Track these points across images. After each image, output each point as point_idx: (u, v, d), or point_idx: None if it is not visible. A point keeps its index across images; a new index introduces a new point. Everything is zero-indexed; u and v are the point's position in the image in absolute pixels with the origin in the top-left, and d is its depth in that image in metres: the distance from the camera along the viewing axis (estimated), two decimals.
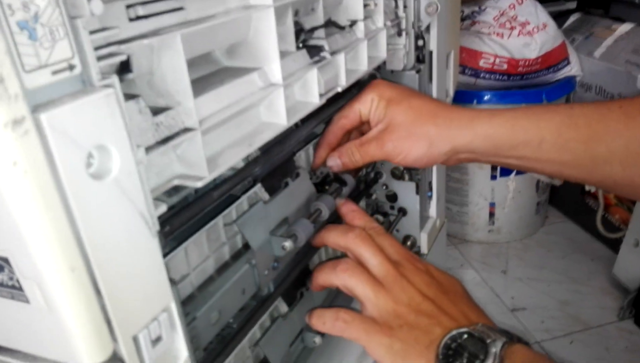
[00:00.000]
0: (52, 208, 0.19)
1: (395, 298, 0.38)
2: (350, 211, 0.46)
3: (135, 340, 0.23)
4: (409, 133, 0.45)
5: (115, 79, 0.23)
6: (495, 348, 0.33)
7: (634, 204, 1.12)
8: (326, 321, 0.40)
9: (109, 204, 0.21)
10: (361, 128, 0.51)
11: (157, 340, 0.24)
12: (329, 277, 0.41)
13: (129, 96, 0.26)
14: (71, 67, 0.21)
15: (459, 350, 0.34)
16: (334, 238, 0.43)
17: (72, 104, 0.20)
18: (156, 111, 0.27)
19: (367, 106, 0.47)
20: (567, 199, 1.42)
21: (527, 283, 1.22)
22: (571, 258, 1.29)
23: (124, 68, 0.26)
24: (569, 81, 1.19)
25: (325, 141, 0.49)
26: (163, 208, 0.26)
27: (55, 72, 0.20)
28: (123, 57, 0.24)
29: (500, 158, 0.45)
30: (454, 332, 0.35)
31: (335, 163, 0.48)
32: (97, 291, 0.21)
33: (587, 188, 1.30)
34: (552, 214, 1.46)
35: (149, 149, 0.26)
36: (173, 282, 0.26)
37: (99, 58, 0.23)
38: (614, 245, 1.22)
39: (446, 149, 0.44)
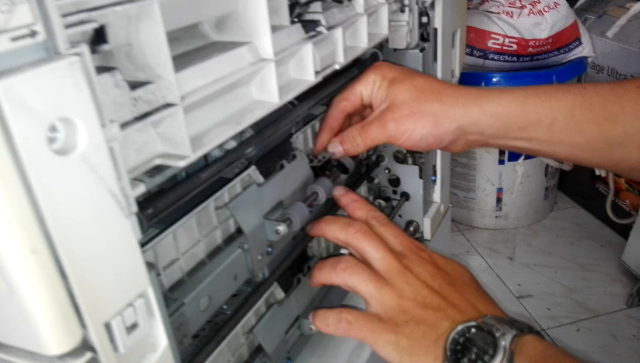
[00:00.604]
0: (10, 185, 0.18)
1: (399, 293, 0.36)
2: (351, 201, 0.44)
3: (107, 326, 0.22)
4: (412, 111, 0.42)
5: (84, 48, 0.21)
6: (504, 342, 0.31)
7: None
8: (329, 323, 0.39)
9: (75, 182, 0.20)
10: (363, 113, 0.49)
11: (132, 327, 0.23)
12: (329, 276, 0.40)
13: (106, 69, 0.25)
14: (33, 34, 0.19)
15: (467, 345, 0.32)
16: (333, 232, 0.41)
17: (31, 72, 0.18)
18: (135, 86, 0.26)
19: (368, 87, 0.45)
20: (577, 185, 1.39)
21: (534, 270, 1.20)
22: (580, 244, 1.27)
23: (98, 38, 0.24)
24: (581, 62, 1.15)
25: (326, 125, 0.47)
26: (141, 188, 0.25)
27: (14, 39, 0.19)
28: (94, 25, 0.22)
29: (509, 140, 0.42)
30: (462, 326, 0.33)
31: (336, 149, 0.46)
32: (63, 275, 0.20)
33: (597, 172, 1.27)
34: (560, 200, 1.44)
35: (125, 125, 0.24)
36: (151, 266, 0.25)
37: (68, 26, 0.21)
38: (624, 231, 1.20)
39: (452, 128, 0.42)
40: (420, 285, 0.36)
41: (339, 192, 0.45)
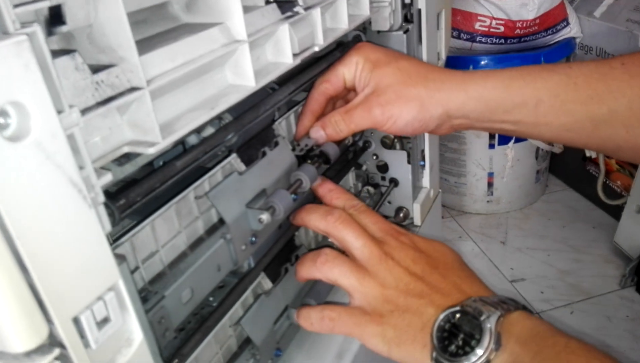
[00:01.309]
0: None
1: (381, 282, 0.36)
2: (328, 191, 0.43)
3: (76, 321, 0.21)
4: (397, 96, 0.41)
5: (36, 28, 0.20)
6: (489, 324, 0.31)
7: (636, 169, 1.09)
8: (313, 322, 0.38)
9: (29, 170, 0.19)
10: (346, 97, 0.48)
11: (103, 322, 0.22)
12: (310, 271, 0.39)
13: (67, 52, 0.23)
14: None
15: (453, 331, 0.32)
16: (314, 221, 0.40)
17: None
18: (98, 69, 0.24)
19: (351, 69, 0.44)
20: (568, 167, 1.39)
21: (527, 253, 1.20)
22: (572, 226, 1.27)
23: (55, 19, 0.23)
24: (569, 43, 1.15)
25: (308, 109, 0.46)
26: (108, 177, 0.24)
27: None
28: (47, 4, 0.21)
29: (495, 123, 0.41)
30: (446, 312, 0.33)
31: (318, 134, 0.45)
32: (23, 268, 0.19)
33: (587, 153, 1.27)
34: (552, 183, 1.44)
35: (87, 110, 0.23)
36: (122, 258, 0.24)
37: (17, 5, 0.20)
38: (616, 212, 1.20)
39: (438, 113, 0.41)
40: (403, 272, 0.36)
41: (316, 182, 0.44)
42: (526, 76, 0.40)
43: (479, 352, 0.30)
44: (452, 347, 0.31)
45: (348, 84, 0.45)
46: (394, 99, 0.41)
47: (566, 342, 0.30)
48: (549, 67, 0.40)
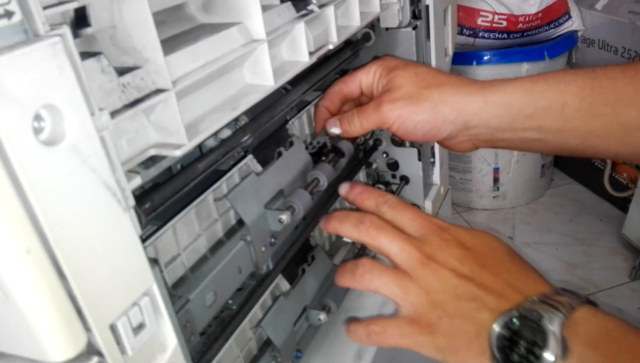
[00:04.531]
0: None
1: (426, 288, 0.33)
2: (358, 194, 0.40)
3: (113, 328, 0.21)
4: (409, 96, 0.40)
5: (65, 29, 0.19)
6: (553, 328, 0.28)
7: None
8: (362, 337, 0.36)
9: (66, 175, 0.18)
10: (360, 99, 0.47)
11: (139, 328, 0.22)
12: (351, 284, 0.37)
13: (91, 55, 0.23)
14: (8, 15, 0.18)
15: (514, 339, 0.29)
16: (347, 231, 0.38)
17: (9, 56, 0.17)
18: (123, 72, 0.24)
19: (369, 77, 0.43)
20: (573, 160, 1.39)
21: (535, 248, 1.20)
22: (579, 220, 1.27)
23: (80, 21, 0.23)
24: (571, 36, 1.14)
25: (322, 104, 0.46)
26: (137, 180, 0.23)
27: None
28: (74, 5, 0.21)
29: (517, 132, 0.39)
30: (503, 318, 0.30)
31: (334, 124, 0.44)
32: (62, 276, 0.18)
33: None
34: (557, 177, 1.43)
35: (115, 113, 0.22)
36: (154, 262, 0.24)
37: (46, 7, 0.20)
38: (623, 205, 1.20)
39: (452, 117, 0.39)
40: (449, 275, 0.33)
41: (344, 190, 0.41)
42: (549, 80, 0.38)
43: (547, 359, 0.27)
44: (514, 356, 0.29)
45: (365, 90, 0.44)
46: (405, 98, 0.40)
47: None
48: (572, 71, 0.38)
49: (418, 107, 0.39)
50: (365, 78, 0.43)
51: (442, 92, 0.39)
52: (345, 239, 0.42)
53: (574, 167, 1.40)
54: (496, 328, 0.30)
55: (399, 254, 0.34)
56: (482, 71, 1.06)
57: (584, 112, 0.37)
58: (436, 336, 0.32)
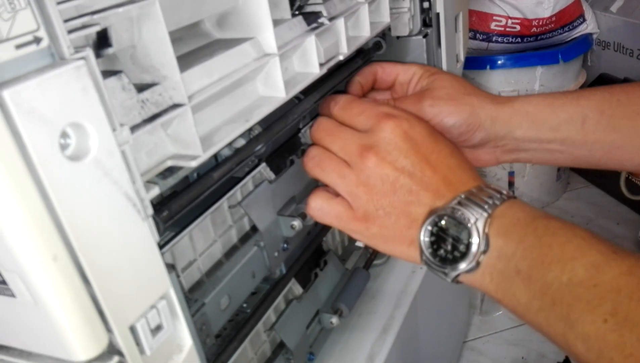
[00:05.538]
0: (26, 194, 0.18)
1: (365, 181, 0.34)
2: (320, 105, 0.42)
3: (132, 330, 0.22)
4: (451, 97, 0.41)
5: (89, 52, 0.21)
6: (477, 227, 0.30)
7: None
8: (307, 210, 0.38)
9: (90, 187, 0.20)
10: (382, 93, 0.48)
11: (157, 329, 0.23)
12: (307, 171, 0.38)
13: (112, 73, 0.24)
14: (37, 40, 0.19)
15: (441, 236, 0.31)
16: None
17: (38, 79, 0.18)
18: (142, 88, 0.25)
19: (407, 74, 0.44)
20: None
21: None
22: (595, 223, 1.26)
23: (102, 42, 0.24)
24: (586, 39, 1.14)
25: (358, 79, 0.46)
26: (155, 190, 0.25)
27: (18, 46, 0.19)
28: (97, 28, 0.22)
29: (543, 144, 0.41)
30: (433, 218, 0.32)
31: None
32: (86, 281, 0.20)
33: None
34: (573, 180, 1.42)
35: (135, 128, 0.24)
36: (171, 268, 0.25)
37: (71, 31, 0.21)
38: None
39: (487, 123, 0.41)
40: (389, 168, 0.34)
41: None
42: (568, 95, 0.40)
43: (469, 256, 0.30)
44: (442, 251, 0.31)
45: (397, 86, 0.45)
46: (447, 98, 0.41)
47: (546, 224, 0.30)
48: (590, 89, 0.41)
49: (458, 108, 0.41)
50: (403, 75, 0.45)
51: (480, 100, 0.41)
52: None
53: (590, 170, 1.39)
54: (426, 225, 0.32)
55: (342, 150, 0.36)
56: (496, 76, 1.06)
57: (604, 125, 0.39)
58: (369, 225, 0.34)
